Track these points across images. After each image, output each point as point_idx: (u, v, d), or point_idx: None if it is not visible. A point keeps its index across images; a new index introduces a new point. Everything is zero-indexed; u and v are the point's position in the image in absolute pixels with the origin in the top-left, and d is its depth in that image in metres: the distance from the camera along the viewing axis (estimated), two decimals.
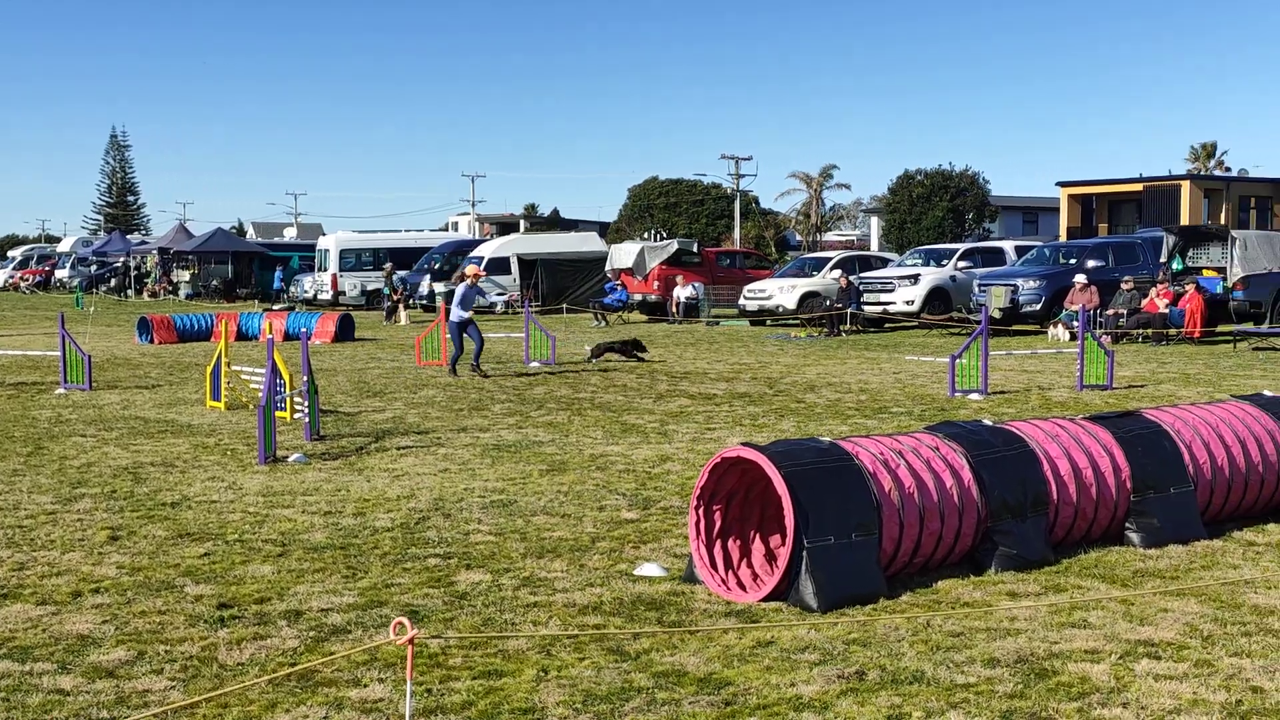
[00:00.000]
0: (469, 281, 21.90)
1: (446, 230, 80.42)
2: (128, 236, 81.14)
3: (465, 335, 21.31)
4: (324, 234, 59.98)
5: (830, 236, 79.41)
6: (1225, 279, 28.27)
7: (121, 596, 7.66)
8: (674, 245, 41.20)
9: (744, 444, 7.72)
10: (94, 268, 71.11)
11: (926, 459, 7.94)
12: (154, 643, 6.73)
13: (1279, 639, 6.64)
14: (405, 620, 4.19)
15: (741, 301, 36.60)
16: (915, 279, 33.20)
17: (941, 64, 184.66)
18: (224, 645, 6.70)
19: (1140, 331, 27.19)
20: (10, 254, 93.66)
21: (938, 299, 32.96)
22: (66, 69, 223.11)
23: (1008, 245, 36.74)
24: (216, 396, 17.07)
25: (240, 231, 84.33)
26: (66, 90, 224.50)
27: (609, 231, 71.05)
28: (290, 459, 12.66)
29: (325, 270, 49.99)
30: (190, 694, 5.94)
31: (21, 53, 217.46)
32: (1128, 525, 8.75)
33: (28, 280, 75.29)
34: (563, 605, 7.44)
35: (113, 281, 66.54)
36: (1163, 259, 30.07)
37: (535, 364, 23.34)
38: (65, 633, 6.92)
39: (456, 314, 21.26)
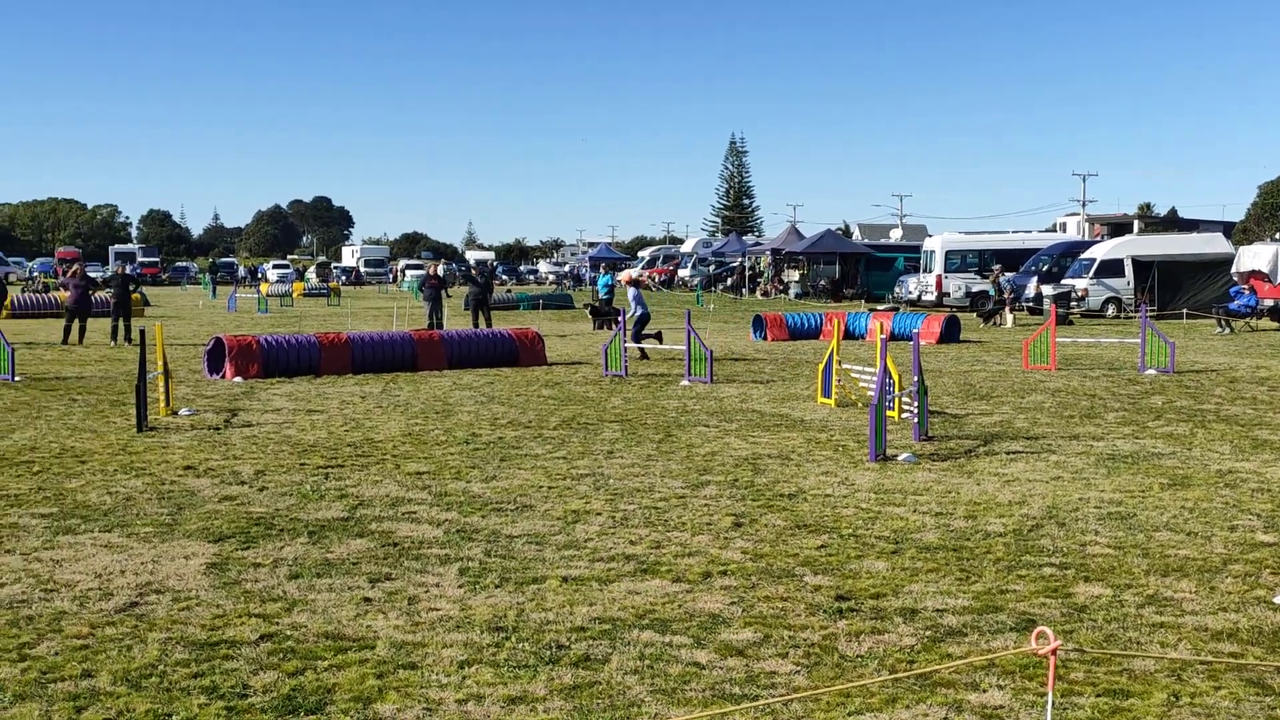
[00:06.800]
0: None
1: (1054, 231, 78.18)
2: (743, 238, 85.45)
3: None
4: (928, 235, 60.17)
5: None
6: None
7: (746, 580, 8.07)
8: None
9: None
10: (712, 267, 75.51)
11: None
12: (778, 627, 7.04)
13: None
14: (1047, 630, 4.10)
15: None
16: None
17: None
18: (843, 636, 6.88)
19: None
20: (640, 254, 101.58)
21: None
22: (690, 74, 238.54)
23: None
24: (827, 393, 17.59)
25: (846, 232, 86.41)
26: (688, 98, 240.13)
27: (1234, 232, 66.23)
28: (900, 458, 12.80)
29: (930, 271, 50.15)
30: (814, 680, 6.16)
31: (647, 60, 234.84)
32: None
33: (654, 279, 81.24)
34: (1193, 629, 7.00)
35: (729, 280, 70.33)
36: None
37: (1151, 371, 22.18)
38: (698, 610, 7.39)
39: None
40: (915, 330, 17.34)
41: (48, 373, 21.82)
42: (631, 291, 26.61)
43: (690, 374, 20.78)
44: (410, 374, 21.76)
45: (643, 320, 25.65)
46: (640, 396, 18.54)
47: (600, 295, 38.68)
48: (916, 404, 14.32)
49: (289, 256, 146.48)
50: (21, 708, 5.74)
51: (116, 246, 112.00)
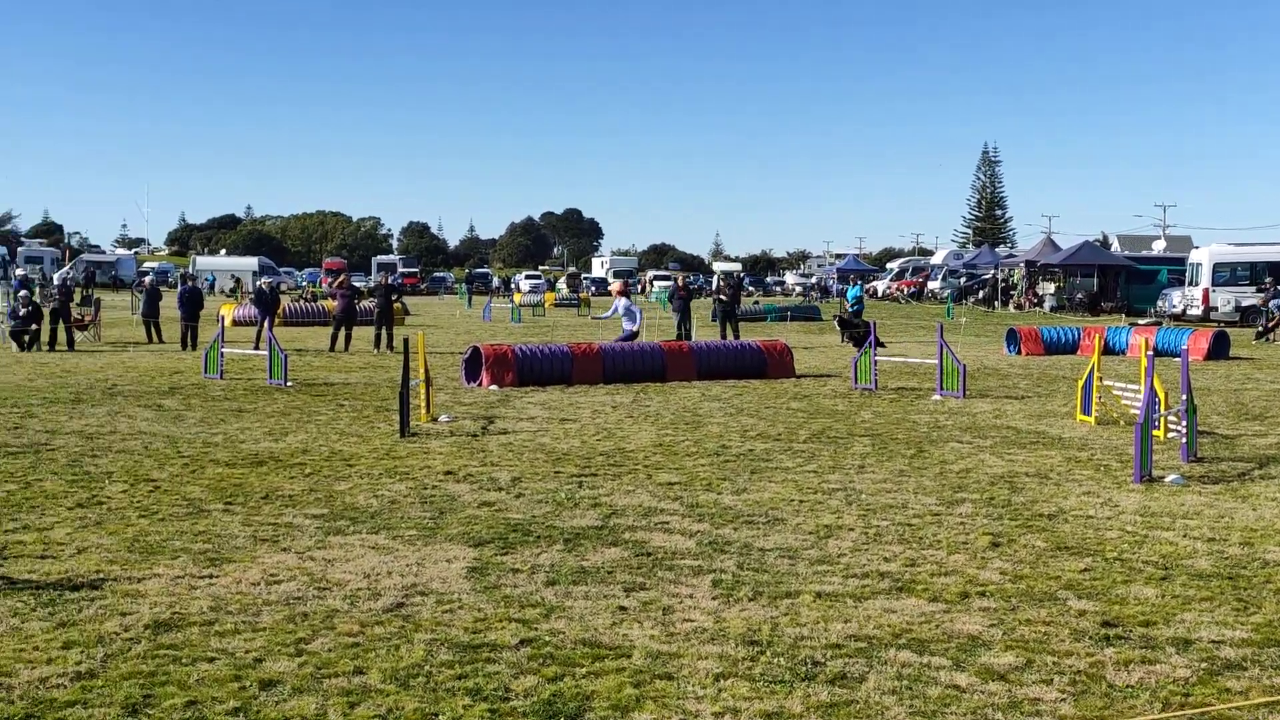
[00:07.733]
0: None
1: None
2: (995, 249, 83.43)
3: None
4: (1194, 246, 57.58)
5: None
6: None
7: (1006, 602, 7.84)
8: None
9: None
10: (963, 280, 73.94)
11: None
12: (1041, 652, 6.81)
13: None
14: None
15: None
16: None
17: None
18: (1111, 665, 6.61)
19: None
20: (889, 266, 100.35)
21: None
22: (941, 82, 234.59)
23: None
24: (1087, 410, 16.98)
25: (1104, 244, 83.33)
26: (940, 106, 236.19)
27: None
28: (1167, 479, 12.25)
29: (1195, 284, 47.96)
30: (1082, 710, 5.92)
31: (897, 69, 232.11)
32: None
33: (903, 291, 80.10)
34: None
35: (981, 293, 68.76)
36: None
37: None
38: (956, 631, 7.21)
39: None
40: (1183, 346, 16.58)
41: (317, 379, 22.89)
42: (621, 303, 26.29)
43: (942, 388, 20.37)
44: (659, 384, 21.97)
45: (632, 339, 25.56)
46: (890, 410, 18.27)
47: (849, 307, 38.33)
48: (1185, 423, 13.68)
49: (540, 267, 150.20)
50: (299, 701, 6.01)
51: (379, 257, 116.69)
